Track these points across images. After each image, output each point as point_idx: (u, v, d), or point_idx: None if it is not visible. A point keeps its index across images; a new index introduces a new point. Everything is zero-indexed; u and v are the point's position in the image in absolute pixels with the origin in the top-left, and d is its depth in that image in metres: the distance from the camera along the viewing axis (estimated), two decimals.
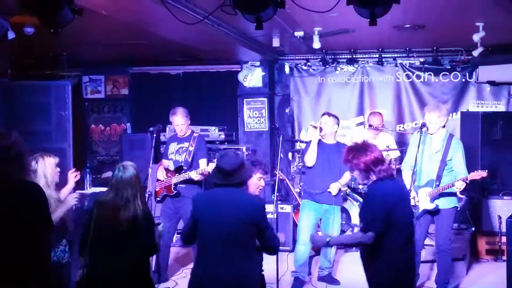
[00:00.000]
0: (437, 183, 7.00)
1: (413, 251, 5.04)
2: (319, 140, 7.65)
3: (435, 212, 7.03)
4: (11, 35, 6.80)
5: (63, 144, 7.64)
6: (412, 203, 6.92)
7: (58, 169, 5.58)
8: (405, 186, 5.46)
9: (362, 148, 4.99)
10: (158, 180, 8.08)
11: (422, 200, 7.03)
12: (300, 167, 9.77)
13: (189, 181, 7.79)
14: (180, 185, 7.85)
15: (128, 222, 4.80)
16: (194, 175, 7.67)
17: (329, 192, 7.52)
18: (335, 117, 7.82)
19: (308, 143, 7.86)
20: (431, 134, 7.14)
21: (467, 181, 6.82)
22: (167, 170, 8.05)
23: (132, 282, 4.87)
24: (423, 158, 7.15)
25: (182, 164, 7.89)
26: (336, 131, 7.84)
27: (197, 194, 5.03)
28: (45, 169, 5.43)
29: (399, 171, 9.39)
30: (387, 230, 4.72)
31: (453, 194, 7.05)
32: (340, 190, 7.66)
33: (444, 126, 7.19)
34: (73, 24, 5.24)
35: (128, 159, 10.22)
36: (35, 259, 3.94)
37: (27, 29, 7.46)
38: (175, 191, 7.87)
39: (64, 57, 10.75)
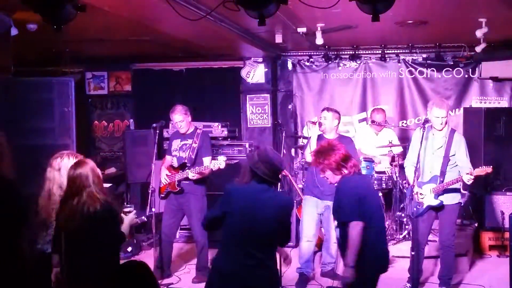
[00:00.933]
0: (441, 179, 6.98)
1: (385, 244, 5.31)
2: (320, 136, 7.61)
3: (439, 208, 7.03)
4: (14, 31, 6.81)
5: (66, 140, 7.63)
6: (416, 199, 7.01)
7: None
8: (371, 181, 5.62)
9: (329, 149, 5.25)
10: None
11: (426, 196, 7.03)
12: (303, 163, 9.76)
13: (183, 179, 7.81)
14: (184, 182, 7.84)
15: (84, 217, 4.74)
16: (191, 175, 7.67)
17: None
18: (335, 111, 7.76)
19: (308, 139, 7.83)
20: (439, 130, 7.11)
21: (473, 176, 6.79)
22: (170, 167, 8.04)
23: (103, 275, 4.83)
24: (426, 154, 7.12)
25: (186, 161, 7.87)
26: (337, 126, 7.77)
27: (232, 186, 4.84)
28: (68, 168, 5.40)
29: (402, 166, 9.44)
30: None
31: (457, 190, 7.05)
32: None
33: (446, 123, 7.18)
34: (76, 20, 5.24)
35: (131, 155, 10.42)
36: (12, 252, 3.98)
37: (30, 26, 7.47)
38: (179, 188, 7.86)
39: (67, 53, 10.73)
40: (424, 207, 7.04)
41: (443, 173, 7.00)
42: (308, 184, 7.93)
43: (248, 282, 4.57)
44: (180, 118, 7.93)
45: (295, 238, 8.93)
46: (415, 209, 7.04)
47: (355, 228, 4.90)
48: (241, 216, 4.63)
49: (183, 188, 7.86)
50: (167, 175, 7.95)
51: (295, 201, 9.32)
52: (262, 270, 4.60)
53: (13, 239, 4.14)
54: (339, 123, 7.79)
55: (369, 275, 5.08)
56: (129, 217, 5.22)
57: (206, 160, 7.86)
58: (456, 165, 7.05)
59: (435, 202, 6.99)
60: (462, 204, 7.58)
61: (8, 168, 4.27)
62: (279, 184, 4.96)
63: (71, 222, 4.74)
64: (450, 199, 7.03)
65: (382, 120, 9.79)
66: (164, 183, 8.00)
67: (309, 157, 7.59)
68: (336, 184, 5.31)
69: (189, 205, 7.83)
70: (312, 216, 7.68)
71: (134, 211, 5.35)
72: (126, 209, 5.28)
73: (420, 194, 7.03)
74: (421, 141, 7.03)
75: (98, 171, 5.00)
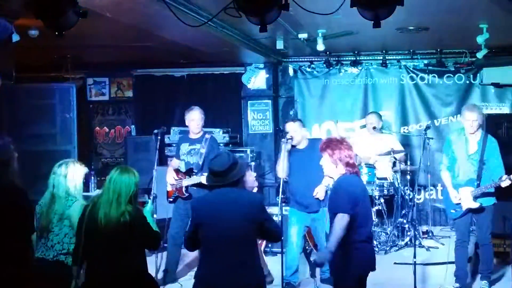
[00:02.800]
0: (478, 183, 7.18)
1: (372, 250, 5.30)
2: (294, 147, 7.50)
3: (476, 209, 7.23)
4: (15, 37, 6.82)
5: (68, 146, 7.66)
6: (455, 201, 7.24)
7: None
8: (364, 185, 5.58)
9: (340, 142, 5.27)
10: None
11: (465, 199, 7.21)
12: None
13: (200, 184, 7.66)
14: (192, 187, 7.79)
15: (119, 223, 4.76)
16: (205, 180, 7.64)
17: (317, 198, 7.42)
18: (299, 120, 7.68)
19: (278, 154, 7.64)
20: (471, 133, 7.27)
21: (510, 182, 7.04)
22: (177, 171, 8.01)
23: (133, 282, 4.84)
24: (460, 158, 7.33)
25: (193, 167, 7.84)
26: (306, 134, 7.71)
27: (195, 199, 5.02)
28: (74, 175, 5.43)
29: (404, 172, 9.45)
30: (353, 221, 4.95)
31: (492, 191, 7.24)
32: (326, 191, 7.49)
33: (480, 127, 7.35)
34: (78, 26, 5.25)
35: (132, 161, 10.41)
36: (16, 258, 3.98)
37: (32, 32, 7.49)
38: (187, 194, 7.80)
39: (69, 59, 10.78)
40: (464, 209, 7.22)
41: (479, 176, 7.20)
42: (293, 197, 7.69)
43: (233, 284, 4.53)
44: (198, 116, 7.91)
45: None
46: (453, 211, 7.32)
47: (342, 219, 4.89)
48: (211, 224, 4.61)
49: (191, 194, 7.77)
50: (174, 179, 7.92)
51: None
52: (244, 270, 4.54)
53: (21, 245, 4.14)
54: (305, 130, 7.72)
55: (361, 273, 5.10)
56: (148, 209, 5.28)
57: None
58: (489, 168, 7.24)
59: (475, 205, 7.16)
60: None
61: (16, 174, 4.29)
62: (238, 181, 4.77)
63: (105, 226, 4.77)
64: (488, 201, 7.23)
65: (376, 124, 9.75)
66: (171, 188, 7.98)
67: (280, 173, 7.43)
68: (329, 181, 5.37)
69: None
70: (298, 226, 7.56)
71: (150, 200, 5.40)
72: (141, 200, 5.28)
73: (456, 197, 7.27)
74: (455, 146, 7.35)
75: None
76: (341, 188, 5.13)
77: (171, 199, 8.02)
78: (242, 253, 4.56)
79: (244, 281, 4.53)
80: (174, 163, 8.18)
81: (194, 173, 7.78)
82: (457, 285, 7.40)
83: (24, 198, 4.15)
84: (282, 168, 7.35)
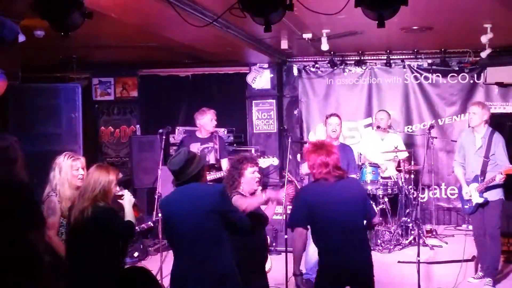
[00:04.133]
0: (482, 178, 7.39)
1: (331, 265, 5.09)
2: None
3: (484, 204, 7.44)
4: (21, 38, 6.84)
5: (73, 146, 7.68)
6: (466, 197, 7.56)
7: (81, 173, 5.59)
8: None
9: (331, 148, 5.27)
10: None
11: (473, 195, 7.47)
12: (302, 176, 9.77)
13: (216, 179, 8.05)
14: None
15: (83, 216, 4.81)
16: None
17: None
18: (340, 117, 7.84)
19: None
20: (473, 126, 7.54)
21: (503, 176, 7.18)
22: None
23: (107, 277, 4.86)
24: (469, 154, 7.59)
25: (214, 162, 8.23)
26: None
27: (162, 199, 5.05)
28: (61, 167, 5.51)
29: (408, 172, 9.45)
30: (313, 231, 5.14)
31: (499, 186, 7.40)
32: None
33: (486, 123, 7.51)
34: (83, 27, 5.28)
35: (137, 160, 10.46)
36: (27, 257, 4.02)
37: (38, 32, 7.52)
38: None
39: (74, 59, 10.81)
40: (473, 204, 7.50)
41: (483, 172, 7.40)
42: None
43: (199, 280, 4.52)
44: (215, 117, 8.35)
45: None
46: (466, 206, 7.63)
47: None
48: (174, 221, 4.66)
49: None
50: None
51: None
52: (207, 265, 4.53)
53: (31, 242, 4.18)
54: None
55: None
56: (126, 200, 5.28)
57: (224, 162, 8.16)
58: (497, 164, 7.37)
59: (480, 200, 7.40)
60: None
61: (23, 172, 4.34)
62: (195, 177, 4.79)
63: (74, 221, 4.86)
64: (493, 195, 7.41)
65: (386, 122, 9.81)
66: None
67: (305, 168, 7.52)
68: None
69: None
70: None
71: (126, 191, 5.42)
72: (118, 193, 5.30)
73: (467, 193, 7.55)
74: (465, 144, 7.63)
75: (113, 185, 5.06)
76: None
77: None
78: (206, 246, 4.55)
79: (207, 273, 4.52)
80: None
81: (215, 169, 8.17)
82: (481, 273, 7.61)
83: (29, 193, 4.20)
84: (305, 167, 7.42)
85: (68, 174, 5.50)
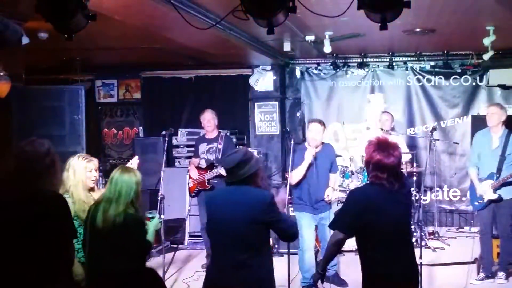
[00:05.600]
0: (497, 176, 7.58)
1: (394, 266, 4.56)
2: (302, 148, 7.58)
3: (497, 201, 7.62)
4: (25, 40, 6.87)
5: (76, 147, 7.70)
6: (478, 193, 7.74)
7: (95, 174, 5.60)
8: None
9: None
10: (191, 178, 8.66)
11: (486, 192, 7.64)
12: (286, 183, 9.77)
13: (221, 176, 8.19)
14: (213, 180, 8.42)
15: (115, 222, 4.79)
16: (223, 171, 7.99)
17: (326, 200, 7.48)
18: (323, 122, 7.67)
19: (299, 153, 7.51)
20: (491, 126, 7.77)
21: None
22: (198, 168, 8.59)
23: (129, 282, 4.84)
24: (485, 153, 7.78)
25: (214, 161, 8.45)
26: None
27: (208, 194, 5.09)
28: (74, 168, 5.51)
29: (410, 174, 9.46)
30: (362, 238, 4.59)
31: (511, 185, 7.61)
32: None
33: (503, 124, 7.74)
34: (86, 29, 5.29)
35: (140, 162, 10.43)
36: (59, 268, 4.03)
37: (41, 35, 7.54)
38: (210, 185, 8.42)
39: (78, 61, 10.82)
40: (485, 201, 7.66)
41: (499, 170, 7.60)
42: (299, 200, 7.61)
43: (232, 285, 4.47)
44: (210, 116, 8.63)
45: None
46: (476, 203, 7.79)
47: (332, 236, 4.77)
48: (216, 220, 4.59)
49: (213, 186, 8.40)
50: (197, 175, 8.55)
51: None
52: (244, 271, 4.44)
53: (66, 252, 4.19)
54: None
55: None
56: (153, 223, 5.28)
57: None
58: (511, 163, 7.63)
59: (494, 196, 7.58)
60: None
61: (59, 184, 4.34)
62: (247, 179, 4.68)
63: (102, 224, 4.82)
64: (507, 194, 7.59)
65: (389, 124, 9.81)
66: (193, 183, 8.56)
67: (295, 180, 7.44)
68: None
69: None
70: (311, 228, 7.57)
71: (158, 216, 5.43)
72: (149, 215, 5.33)
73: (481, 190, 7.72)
74: (481, 144, 7.88)
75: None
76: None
77: (193, 194, 8.65)
78: (242, 254, 4.45)
79: (243, 281, 4.45)
80: (194, 161, 8.78)
81: (215, 167, 8.39)
82: (483, 274, 7.72)
83: (63, 204, 4.18)
84: (298, 176, 7.37)
85: (82, 175, 5.49)
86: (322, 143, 7.63)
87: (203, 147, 8.70)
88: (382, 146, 4.58)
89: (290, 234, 4.72)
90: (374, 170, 4.55)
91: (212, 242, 4.70)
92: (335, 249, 4.73)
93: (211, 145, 8.60)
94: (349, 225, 4.54)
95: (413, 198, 9.49)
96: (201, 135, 9.26)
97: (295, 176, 7.40)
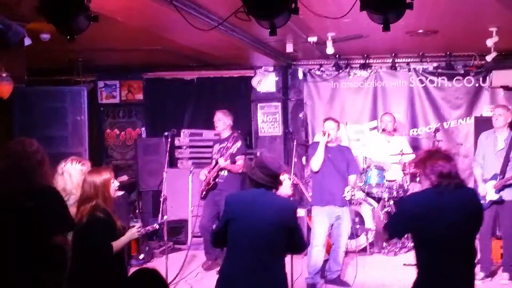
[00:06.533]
0: (501, 177, 7.68)
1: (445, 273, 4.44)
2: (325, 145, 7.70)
3: (500, 202, 7.73)
4: (27, 41, 6.88)
5: (79, 148, 7.73)
6: (482, 194, 7.72)
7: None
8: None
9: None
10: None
11: (488, 192, 7.74)
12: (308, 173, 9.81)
13: (228, 175, 8.45)
14: (219, 180, 8.50)
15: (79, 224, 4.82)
16: (222, 162, 8.33)
17: (344, 196, 7.53)
18: (338, 121, 8.01)
19: (312, 146, 7.99)
20: (497, 127, 7.92)
21: None
22: (209, 169, 8.72)
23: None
24: (489, 154, 7.94)
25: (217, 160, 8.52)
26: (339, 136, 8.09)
27: (231, 194, 5.12)
28: (70, 173, 5.53)
29: (413, 175, 9.43)
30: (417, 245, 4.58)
31: None
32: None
33: (509, 126, 7.90)
34: (89, 30, 5.29)
35: (143, 163, 10.48)
36: (53, 259, 4.04)
37: (43, 36, 7.54)
38: (213, 182, 8.52)
39: (80, 62, 10.83)
40: (487, 201, 7.70)
41: (502, 171, 7.71)
42: (316, 193, 7.92)
43: (251, 285, 4.52)
44: (216, 117, 8.81)
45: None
46: None
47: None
48: (241, 220, 4.61)
49: (217, 184, 8.51)
50: (205, 174, 8.65)
51: (305, 210, 9.32)
52: (265, 273, 4.52)
53: (59, 244, 4.23)
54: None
55: None
56: (129, 232, 5.27)
57: (239, 159, 8.50)
58: None
59: (495, 197, 7.69)
60: None
61: (50, 181, 4.37)
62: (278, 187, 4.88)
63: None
64: (509, 195, 7.69)
65: (391, 124, 9.82)
66: (204, 185, 8.67)
67: (316, 165, 7.65)
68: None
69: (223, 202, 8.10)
70: (325, 225, 7.67)
71: (138, 226, 5.42)
72: (132, 224, 5.35)
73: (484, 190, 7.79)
74: (486, 145, 8.02)
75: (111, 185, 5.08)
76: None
77: (202, 196, 8.72)
78: (265, 256, 4.54)
79: (263, 282, 4.51)
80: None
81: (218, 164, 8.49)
82: (482, 274, 7.80)
83: (58, 196, 4.21)
84: (318, 160, 7.64)
85: (79, 179, 5.52)
86: (337, 145, 7.95)
87: (216, 148, 8.87)
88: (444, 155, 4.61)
89: (302, 243, 4.92)
90: (438, 178, 4.42)
91: (232, 241, 4.69)
92: None
93: (222, 145, 8.67)
94: (400, 230, 4.86)
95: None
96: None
97: (314, 161, 7.72)
